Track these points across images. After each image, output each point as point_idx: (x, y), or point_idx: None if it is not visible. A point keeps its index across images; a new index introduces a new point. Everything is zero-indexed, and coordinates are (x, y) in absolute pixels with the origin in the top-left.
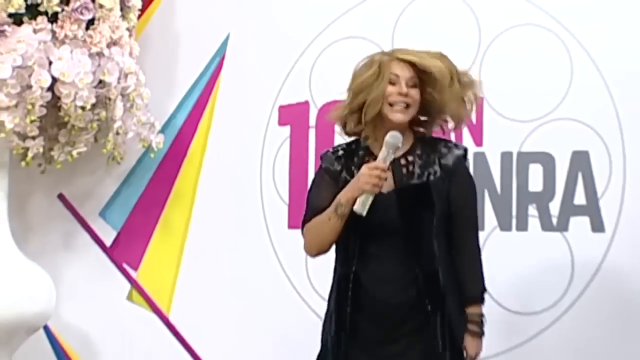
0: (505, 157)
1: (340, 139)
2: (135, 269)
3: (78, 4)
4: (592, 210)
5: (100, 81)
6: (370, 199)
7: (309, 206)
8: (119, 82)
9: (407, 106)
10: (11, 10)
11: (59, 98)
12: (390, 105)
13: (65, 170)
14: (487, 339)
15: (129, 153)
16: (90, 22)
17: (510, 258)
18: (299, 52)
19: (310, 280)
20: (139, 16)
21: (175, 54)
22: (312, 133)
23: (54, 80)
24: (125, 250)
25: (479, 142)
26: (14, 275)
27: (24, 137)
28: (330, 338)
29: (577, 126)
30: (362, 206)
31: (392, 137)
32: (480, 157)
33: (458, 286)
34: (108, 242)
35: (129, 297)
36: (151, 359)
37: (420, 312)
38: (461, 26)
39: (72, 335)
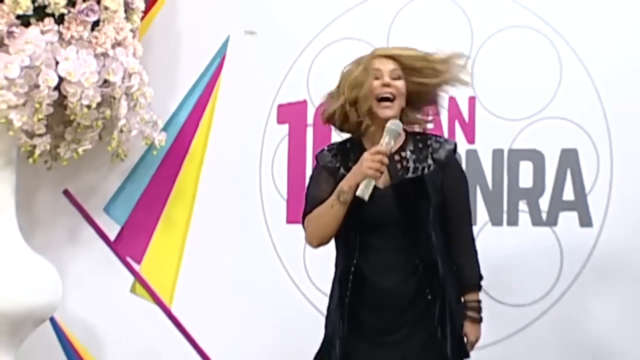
0: (497, 154)
1: (338, 137)
2: (139, 262)
3: (84, 6)
4: (580, 206)
5: (105, 81)
6: (372, 183)
7: (308, 199)
8: (123, 82)
9: (393, 98)
10: (19, 12)
11: (65, 97)
12: (378, 101)
13: (70, 167)
14: None
15: (133, 150)
16: (96, 24)
17: (501, 252)
18: (297, 53)
19: (308, 274)
20: (142, 18)
21: (177, 54)
22: (309, 131)
23: (61, 79)
24: (129, 244)
25: (471, 139)
26: (21, 268)
27: (31, 134)
28: (333, 329)
29: (566, 125)
30: (364, 190)
31: (393, 124)
32: (473, 155)
33: (455, 274)
34: (112, 237)
35: (133, 290)
36: (154, 350)
37: (420, 301)
38: (454, 28)
39: (78, 327)
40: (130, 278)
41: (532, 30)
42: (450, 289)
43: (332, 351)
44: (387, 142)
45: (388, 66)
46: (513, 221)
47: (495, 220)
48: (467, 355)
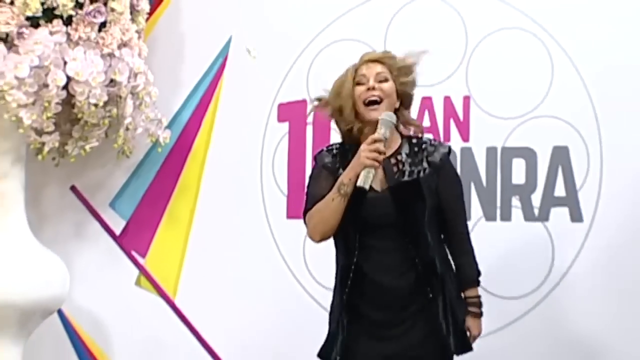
0: (490, 152)
1: (336, 135)
2: (143, 256)
3: (91, 8)
4: (571, 202)
5: (112, 80)
6: (372, 173)
7: (309, 196)
8: (129, 81)
9: (380, 101)
10: (29, 13)
11: (72, 96)
12: (365, 105)
13: (77, 164)
14: None
15: (138, 147)
16: (102, 25)
17: (495, 246)
18: (297, 54)
19: (308, 267)
20: (147, 19)
21: (181, 54)
22: (309, 129)
23: (69, 79)
24: (134, 239)
25: (465, 137)
26: (30, 261)
27: (40, 132)
28: (336, 324)
29: (557, 123)
30: (365, 180)
31: (386, 115)
32: (467, 152)
33: (453, 271)
34: (117, 231)
35: (137, 283)
36: (158, 341)
37: (420, 298)
38: (449, 30)
39: (84, 318)
40: (135, 271)
41: (524, 31)
42: (450, 285)
43: (335, 346)
44: (383, 132)
45: (374, 70)
46: (506, 216)
47: (489, 216)
48: (471, 349)
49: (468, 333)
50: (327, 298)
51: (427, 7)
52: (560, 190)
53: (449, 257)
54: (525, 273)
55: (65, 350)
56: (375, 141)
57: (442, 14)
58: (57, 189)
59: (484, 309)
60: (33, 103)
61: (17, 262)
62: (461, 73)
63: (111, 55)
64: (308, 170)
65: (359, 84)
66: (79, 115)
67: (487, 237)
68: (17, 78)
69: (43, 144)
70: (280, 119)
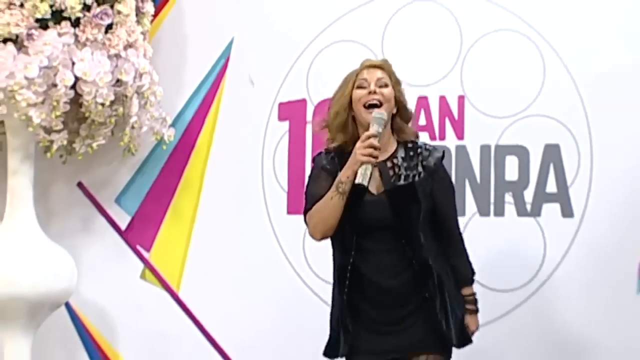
0: (484, 149)
1: None
2: (148, 250)
3: (98, 10)
4: (563, 198)
5: (118, 80)
6: (369, 169)
7: (308, 196)
8: (134, 81)
9: (380, 105)
10: (38, 15)
11: (80, 95)
12: (366, 108)
13: (84, 161)
14: None
15: (143, 145)
16: (109, 27)
17: (488, 241)
18: (297, 54)
19: (307, 261)
20: (152, 21)
21: (185, 55)
22: (309, 128)
23: (77, 79)
24: (139, 234)
25: (460, 136)
26: (39, 255)
27: (49, 130)
28: (337, 322)
29: (549, 122)
30: (363, 177)
31: (377, 113)
32: (462, 150)
33: (449, 270)
34: (123, 226)
35: (142, 276)
36: (162, 332)
37: (417, 295)
38: (444, 31)
39: (91, 311)
40: (140, 265)
41: (517, 33)
42: (448, 282)
43: (339, 344)
44: (376, 129)
45: (375, 75)
46: (499, 212)
47: (483, 211)
48: (471, 341)
49: (467, 329)
50: (326, 291)
51: (423, 9)
52: (551, 187)
53: (444, 256)
54: (518, 266)
55: (73, 341)
56: (368, 137)
57: (438, 17)
58: (65, 185)
59: (479, 302)
60: (42, 102)
61: (26, 256)
62: (456, 73)
63: (117, 56)
64: (308, 167)
65: (359, 87)
66: (87, 114)
67: (481, 232)
68: (26, 78)
69: (52, 142)
70: (281, 118)
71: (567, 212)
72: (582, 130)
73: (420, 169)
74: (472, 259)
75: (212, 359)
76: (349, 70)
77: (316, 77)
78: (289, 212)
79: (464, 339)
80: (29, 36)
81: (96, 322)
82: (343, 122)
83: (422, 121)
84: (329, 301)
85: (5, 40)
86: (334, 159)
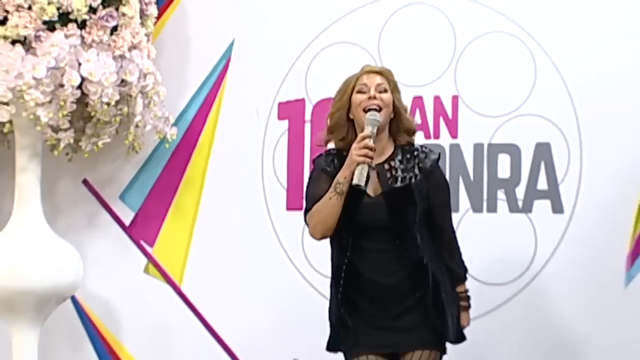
0: (477, 148)
1: None
2: (151, 245)
3: (104, 12)
4: (553, 195)
5: (123, 80)
6: (366, 170)
7: (308, 197)
8: (138, 81)
9: (380, 109)
10: (45, 18)
11: (86, 95)
12: (365, 112)
13: (89, 159)
14: None
15: (146, 143)
16: (114, 29)
17: (481, 236)
18: (296, 55)
19: (306, 256)
20: (155, 23)
21: (187, 56)
22: (307, 127)
23: (83, 79)
24: (143, 229)
25: (454, 134)
26: (46, 250)
27: (56, 129)
28: (335, 319)
29: (540, 121)
30: (359, 178)
31: (371, 115)
32: (456, 148)
33: (443, 266)
34: (127, 222)
35: (146, 270)
36: (165, 325)
37: (412, 293)
38: (439, 33)
39: (96, 304)
40: (144, 260)
41: (509, 35)
42: (444, 281)
43: (338, 337)
44: (370, 130)
45: (374, 80)
46: (492, 208)
47: (476, 208)
48: (465, 339)
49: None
50: (324, 285)
51: (418, 12)
52: (542, 184)
53: (439, 255)
54: (510, 261)
55: (79, 333)
56: (363, 138)
57: (432, 19)
58: (70, 182)
59: (471, 295)
60: (50, 102)
61: (34, 250)
62: (450, 74)
63: (122, 57)
64: (306, 165)
65: (359, 92)
66: (92, 113)
67: (474, 228)
68: (34, 78)
69: (59, 140)
70: (280, 117)
71: (557, 208)
72: (572, 129)
73: (416, 171)
74: (465, 253)
75: (213, 351)
76: (346, 70)
77: (314, 77)
78: (288, 209)
79: (460, 336)
80: (37, 38)
81: (101, 314)
82: (342, 125)
83: (417, 120)
84: (327, 294)
85: (13, 42)
86: (333, 160)
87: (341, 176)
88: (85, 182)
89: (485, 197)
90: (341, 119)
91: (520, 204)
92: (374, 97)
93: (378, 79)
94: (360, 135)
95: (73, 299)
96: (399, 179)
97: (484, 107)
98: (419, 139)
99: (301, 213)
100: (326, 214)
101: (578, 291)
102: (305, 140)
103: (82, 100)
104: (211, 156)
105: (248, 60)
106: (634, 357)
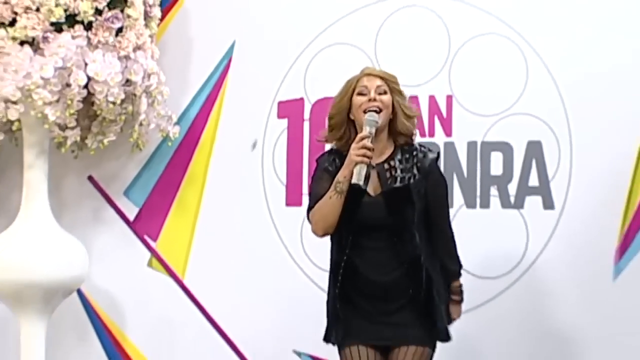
0: (471, 146)
1: None
2: (155, 240)
3: (109, 14)
4: (544, 191)
5: (128, 80)
6: (364, 169)
7: (311, 196)
8: (143, 81)
9: (380, 111)
10: (53, 19)
11: (92, 94)
12: (365, 113)
13: (94, 156)
14: None
15: (150, 141)
16: (119, 30)
17: (474, 231)
18: (295, 56)
19: (305, 250)
20: (159, 25)
21: (189, 57)
22: (306, 125)
23: (89, 79)
24: (146, 224)
25: (448, 133)
26: (53, 244)
27: (63, 127)
28: (332, 310)
29: (531, 120)
30: (358, 177)
31: (370, 116)
32: (450, 146)
33: (439, 266)
34: (131, 217)
35: (149, 264)
36: (168, 317)
37: (407, 292)
38: (433, 35)
39: (101, 297)
40: (147, 254)
41: (501, 37)
42: (437, 280)
43: (333, 329)
44: (368, 130)
45: (375, 82)
46: (485, 204)
47: (470, 204)
48: (450, 338)
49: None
50: (322, 278)
51: (414, 14)
52: (533, 181)
53: (435, 255)
54: (502, 255)
55: (84, 325)
56: (362, 139)
57: (428, 21)
58: (76, 179)
59: (465, 289)
60: (57, 101)
61: (41, 245)
62: (444, 74)
63: (127, 57)
64: (305, 162)
65: (360, 94)
66: (98, 112)
67: (467, 223)
68: (42, 78)
69: (66, 138)
70: (280, 116)
71: (548, 204)
72: (562, 128)
73: (415, 171)
74: (459, 248)
75: (214, 342)
76: (344, 71)
77: (313, 77)
78: (287, 204)
79: (447, 336)
80: (45, 39)
81: (106, 307)
82: (340, 124)
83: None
84: (325, 287)
85: (22, 43)
86: (335, 160)
87: (341, 175)
88: (90, 178)
89: (478, 193)
90: (342, 119)
91: (512, 200)
92: (374, 99)
93: (378, 81)
94: (358, 135)
95: (79, 291)
96: (398, 178)
97: (478, 106)
98: (418, 139)
99: (300, 208)
100: (327, 212)
101: (568, 284)
102: (304, 138)
103: (88, 100)
104: (213, 154)
105: (248, 61)
106: (622, 347)
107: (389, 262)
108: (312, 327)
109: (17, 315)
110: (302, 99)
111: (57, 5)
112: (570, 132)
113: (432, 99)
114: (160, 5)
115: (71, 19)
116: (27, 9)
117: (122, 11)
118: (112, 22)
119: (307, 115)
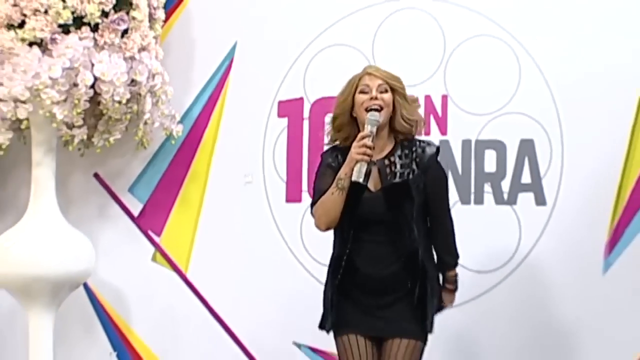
0: (465, 144)
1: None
2: (159, 235)
3: (115, 16)
4: (536, 188)
5: (133, 80)
6: (364, 167)
7: (315, 192)
8: (147, 81)
9: (381, 109)
10: (61, 21)
11: (99, 94)
12: (367, 111)
13: (100, 154)
14: None
15: (154, 139)
16: (125, 32)
17: (469, 226)
18: (294, 57)
19: (304, 245)
20: (163, 26)
21: (192, 57)
22: (305, 124)
23: (96, 79)
24: (150, 220)
25: (444, 131)
26: (60, 239)
27: (70, 126)
28: (328, 300)
29: (524, 119)
30: (358, 174)
31: (371, 115)
32: (445, 144)
33: (434, 261)
34: (136, 213)
35: (154, 259)
36: (172, 310)
37: (403, 285)
38: (429, 36)
39: (106, 290)
40: (151, 249)
41: (495, 38)
42: (432, 274)
43: (328, 317)
44: (370, 129)
45: (376, 81)
46: (479, 200)
47: (464, 200)
48: (432, 331)
49: (443, 303)
50: (321, 272)
51: (410, 16)
52: (526, 178)
53: (433, 250)
54: (495, 250)
55: (90, 318)
56: (363, 137)
57: (423, 23)
58: (82, 176)
59: (460, 283)
60: (65, 100)
61: (49, 240)
62: (440, 74)
63: (132, 58)
64: (305, 160)
65: (362, 92)
66: (104, 111)
67: (462, 219)
68: (50, 78)
69: (73, 136)
70: (280, 115)
71: (540, 200)
72: (554, 126)
73: (414, 166)
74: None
75: (217, 334)
76: (343, 71)
77: (313, 77)
78: (287, 201)
79: (431, 328)
80: (53, 40)
81: (111, 300)
82: (345, 122)
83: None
84: (323, 280)
85: (31, 44)
86: (337, 156)
87: (342, 172)
88: (96, 175)
89: (472, 190)
90: (345, 117)
91: (505, 196)
92: (376, 98)
93: (379, 80)
94: (359, 134)
95: (85, 285)
96: (398, 174)
97: (472, 105)
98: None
99: (299, 205)
100: (329, 207)
101: (559, 278)
102: (304, 136)
103: (95, 99)
104: (215, 151)
105: (250, 61)
106: (611, 339)
107: (387, 255)
108: (312, 320)
109: (26, 308)
110: (301, 98)
111: (64, 7)
112: (562, 130)
113: (427, 99)
114: (164, 7)
115: (78, 21)
116: (35, 11)
117: (127, 13)
118: (118, 24)
119: (306, 114)
